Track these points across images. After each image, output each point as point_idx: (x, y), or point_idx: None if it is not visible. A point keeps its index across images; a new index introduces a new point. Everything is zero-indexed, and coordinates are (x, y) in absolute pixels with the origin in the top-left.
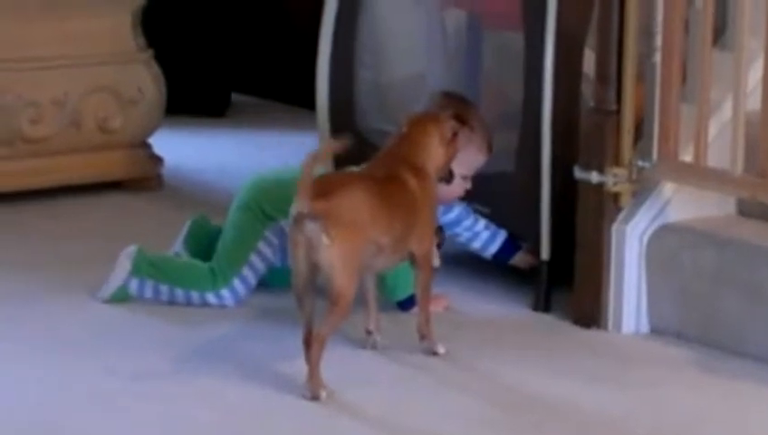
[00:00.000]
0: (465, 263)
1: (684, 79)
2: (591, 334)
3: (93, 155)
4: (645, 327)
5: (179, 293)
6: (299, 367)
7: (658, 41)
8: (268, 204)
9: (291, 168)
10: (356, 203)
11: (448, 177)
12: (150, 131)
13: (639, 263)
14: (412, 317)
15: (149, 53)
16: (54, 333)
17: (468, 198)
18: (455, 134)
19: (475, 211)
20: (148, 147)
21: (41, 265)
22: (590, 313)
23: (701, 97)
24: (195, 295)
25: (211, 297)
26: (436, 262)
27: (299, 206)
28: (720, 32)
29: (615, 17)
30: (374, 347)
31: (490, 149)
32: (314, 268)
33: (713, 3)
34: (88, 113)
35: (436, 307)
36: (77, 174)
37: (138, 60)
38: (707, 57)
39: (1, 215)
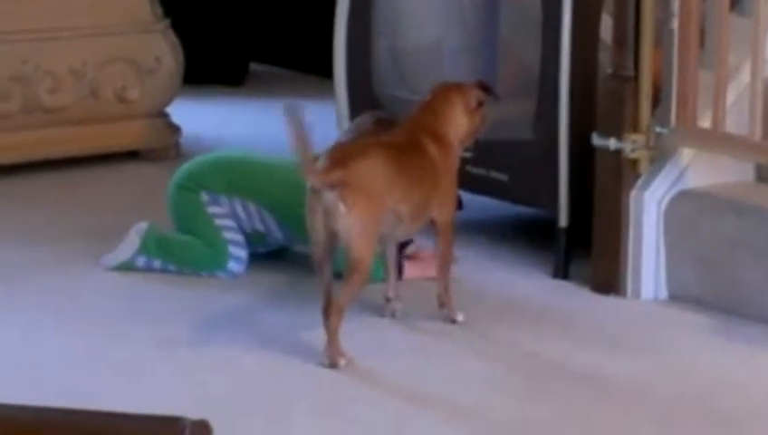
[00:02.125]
0: (484, 230)
1: (702, 44)
2: (610, 301)
3: (111, 125)
4: (663, 293)
5: (187, 271)
6: (317, 335)
7: (676, 6)
8: (203, 177)
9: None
10: (373, 171)
11: (476, 147)
12: (168, 101)
13: (658, 229)
14: (431, 285)
15: (166, 22)
16: (75, 303)
17: (487, 164)
18: (479, 103)
19: (494, 179)
20: (165, 116)
21: (61, 235)
22: (608, 279)
23: (719, 62)
24: (203, 274)
25: (219, 273)
26: None
27: (311, 178)
28: None
29: None
30: (393, 315)
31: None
32: (333, 237)
33: None
34: (106, 83)
35: (424, 273)
36: (95, 144)
37: (155, 29)
38: (725, 22)
39: (20, 185)
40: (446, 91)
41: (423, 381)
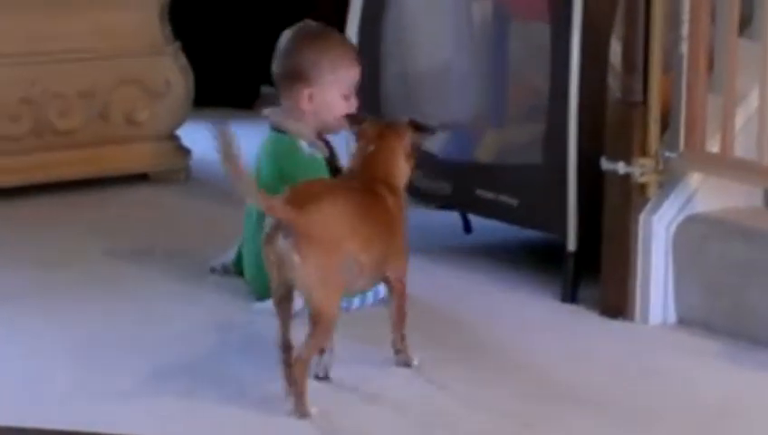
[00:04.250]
0: (492, 254)
1: (710, 69)
2: (618, 325)
3: (121, 147)
4: (672, 318)
5: (356, 301)
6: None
7: (685, 30)
8: None
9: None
10: (332, 216)
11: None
12: (178, 124)
13: (666, 253)
14: (426, 318)
15: (177, 45)
16: (84, 328)
17: (496, 189)
18: (416, 145)
19: (503, 203)
20: (175, 139)
21: (69, 258)
22: (617, 303)
23: (727, 87)
24: (369, 295)
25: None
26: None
27: (271, 220)
28: (747, 21)
29: (641, 7)
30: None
31: (359, 60)
32: (289, 284)
33: None
34: (115, 105)
35: None
36: (104, 166)
37: (165, 52)
38: (733, 47)
39: (29, 207)
40: (387, 138)
41: (430, 406)
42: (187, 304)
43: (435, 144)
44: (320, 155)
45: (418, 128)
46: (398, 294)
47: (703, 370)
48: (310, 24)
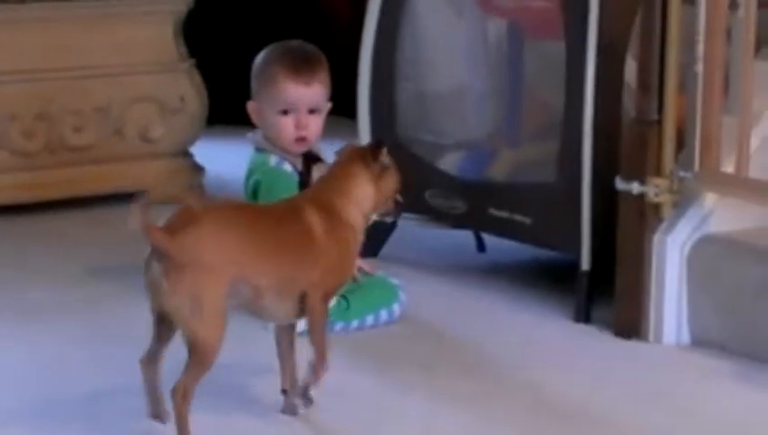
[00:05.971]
0: (505, 273)
1: (726, 89)
2: (632, 345)
3: (135, 164)
4: (686, 338)
5: (369, 319)
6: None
7: (700, 50)
8: None
9: None
10: (208, 240)
11: (396, 210)
12: (192, 141)
13: (680, 274)
14: (438, 336)
15: (191, 62)
16: (100, 341)
17: (509, 207)
18: (385, 167)
19: (517, 222)
20: (189, 156)
21: (85, 274)
22: (630, 323)
23: (743, 107)
24: (383, 313)
25: (396, 308)
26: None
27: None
28: (763, 42)
29: (657, 26)
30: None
31: (308, 81)
32: (166, 317)
33: (755, 12)
34: (130, 122)
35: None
36: (118, 183)
37: (180, 69)
38: (749, 67)
39: (44, 223)
40: (348, 162)
41: (442, 425)
42: None
43: (449, 163)
44: (288, 168)
45: (375, 150)
46: (310, 313)
47: (716, 390)
48: (287, 42)
